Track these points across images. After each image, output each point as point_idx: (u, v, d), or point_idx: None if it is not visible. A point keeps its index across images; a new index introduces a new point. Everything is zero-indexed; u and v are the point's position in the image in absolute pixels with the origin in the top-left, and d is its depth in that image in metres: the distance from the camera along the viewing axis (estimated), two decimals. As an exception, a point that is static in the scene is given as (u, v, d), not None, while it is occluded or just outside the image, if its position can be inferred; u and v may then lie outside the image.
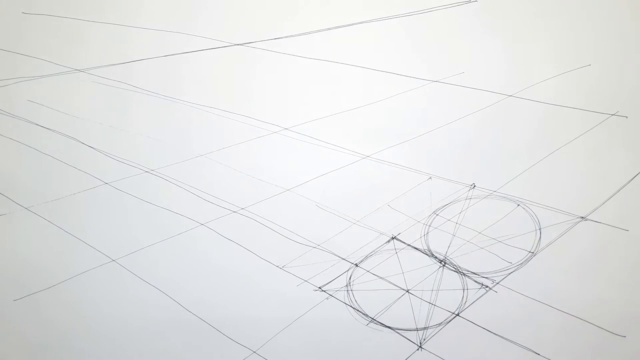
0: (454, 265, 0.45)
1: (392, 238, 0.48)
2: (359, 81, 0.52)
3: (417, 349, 0.41)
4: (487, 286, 0.44)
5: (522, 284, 0.44)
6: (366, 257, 0.46)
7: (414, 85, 0.51)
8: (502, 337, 0.40)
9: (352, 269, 0.46)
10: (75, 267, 0.46)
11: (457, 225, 0.48)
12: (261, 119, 0.51)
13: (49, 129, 0.51)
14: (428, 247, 0.46)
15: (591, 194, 0.49)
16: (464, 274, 0.45)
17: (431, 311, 0.42)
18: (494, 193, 0.49)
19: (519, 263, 0.45)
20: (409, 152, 0.50)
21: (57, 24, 0.53)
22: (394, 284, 0.45)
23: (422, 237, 0.47)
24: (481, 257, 0.46)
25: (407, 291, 0.44)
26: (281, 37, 0.52)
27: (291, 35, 0.52)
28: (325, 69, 0.52)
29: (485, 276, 0.44)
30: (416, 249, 0.47)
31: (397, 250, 0.47)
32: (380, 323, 0.42)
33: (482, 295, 0.43)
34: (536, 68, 0.52)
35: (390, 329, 0.42)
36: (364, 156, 0.50)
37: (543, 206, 0.49)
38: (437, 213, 0.49)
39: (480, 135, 0.51)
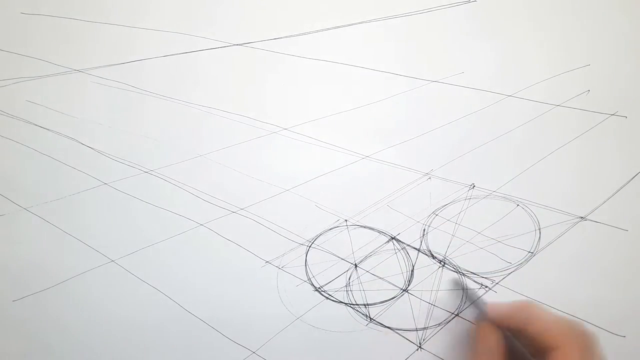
0: (453, 265, 0.45)
1: (392, 238, 0.48)
2: (359, 81, 0.52)
3: (417, 349, 0.41)
4: (486, 286, 0.44)
5: (522, 284, 0.44)
6: (366, 257, 0.46)
7: (414, 85, 0.51)
8: (501, 337, 0.40)
9: (352, 269, 0.46)
10: (74, 267, 0.46)
11: (457, 225, 0.48)
12: (261, 119, 0.51)
13: (48, 130, 0.51)
14: (428, 247, 0.46)
15: (591, 194, 0.49)
16: (464, 274, 0.45)
17: (431, 311, 0.42)
18: (494, 193, 0.49)
19: (518, 263, 0.45)
20: (408, 152, 0.50)
21: (56, 24, 0.53)
22: (393, 284, 0.45)
23: (422, 238, 0.47)
24: (481, 257, 0.46)
25: (407, 291, 0.44)
26: (281, 37, 0.52)
27: (291, 35, 0.52)
28: (325, 69, 0.52)
29: (485, 276, 0.44)
30: (416, 249, 0.47)
31: (396, 250, 0.47)
32: (380, 323, 0.42)
33: (481, 295, 0.43)
34: (536, 68, 0.52)
35: (390, 329, 0.42)
36: (364, 156, 0.50)
37: (542, 206, 0.49)
38: (436, 213, 0.49)
39: (480, 135, 0.51)
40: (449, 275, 0.43)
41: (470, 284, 0.41)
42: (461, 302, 0.41)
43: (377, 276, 0.45)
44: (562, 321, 0.34)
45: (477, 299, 0.40)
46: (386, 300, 0.44)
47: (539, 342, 0.34)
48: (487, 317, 0.37)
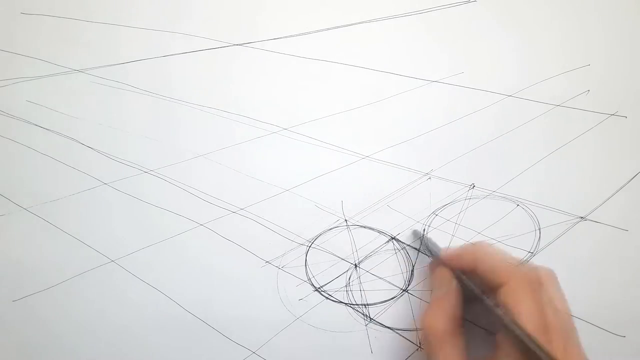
0: (453, 265, 0.45)
1: (392, 238, 0.48)
2: (359, 81, 0.52)
3: (417, 349, 0.41)
4: (486, 286, 0.44)
5: (522, 284, 0.44)
6: (366, 257, 0.46)
7: (414, 85, 0.51)
8: (502, 337, 0.40)
9: (352, 269, 0.46)
10: (74, 267, 0.46)
11: (457, 225, 0.48)
12: (261, 119, 0.51)
13: (48, 130, 0.51)
14: (428, 247, 0.46)
15: (591, 194, 0.49)
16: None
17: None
18: (494, 193, 0.49)
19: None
20: (408, 152, 0.50)
21: (56, 24, 0.53)
22: (393, 284, 0.45)
23: (422, 237, 0.47)
24: (481, 257, 0.46)
25: (407, 291, 0.44)
26: (281, 37, 0.52)
27: (291, 36, 0.52)
28: (325, 69, 0.52)
29: (485, 276, 0.44)
30: (416, 249, 0.47)
31: (396, 250, 0.47)
32: (380, 323, 0.42)
33: (436, 243, 0.43)
34: (535, 68, 0.52)
35: (390, 329, 0.42)
36: (364, 156, 0.50)
37: (542, 206, 0.49)
38: (436, 213, 0.49)
39: (480, 135, 0.51)
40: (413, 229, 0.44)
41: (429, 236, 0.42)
42: (420, 247, 0.43)
43: (377, 276, 0.45)
44: (510, 259, 0.35)
45: (432, 245, 0.41)
46: (386, 300, 0.44)
47: (489, 279, 0.35)
48: (440, 259, 0.38)
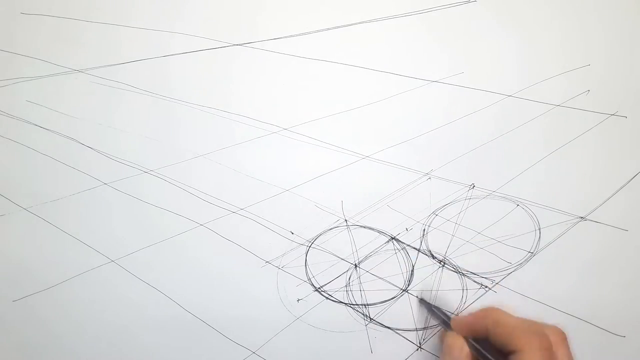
0: (453, 265, 0.45)
1: (392, 238, 0.48)
2: (359, 81, 0.52)
3: (417, 349, 0.41)
4: (486, 286, 0.44)
5: (522, 284, 0.44)
6: (366, 257, 0.46)
7: (414, 85, 0.51)
8: (501, 337, 0.40)
9: (352, 269, 0.46)
10: (74, 267, 0.46)
11: (457, 225, 0.48)
12: (261, 119, 0.51)
13: (48, 130, 0.51)
14: (427, 247, 0.46)
15: (591, 194, 0.49)
16: (464, 274, 0.45)
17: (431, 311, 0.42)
18: (494, 193, 0.49)
19: (518, 263, 0.45)
20: (408, 152, 0.50)
21: (56, 24, 0.53)
22: (393, 284, 0.45)
23: (422, 238, 0.47)
24: (481, 257, 0.46)
25: (407, 291, 0.44)
26: (281, 37, 0.52)
27: (291, 36, 0.52)
28: (325, 69, 0.52)
29: (485, 276, 0.44)
30: (416, 249, 0.47)
31: (396, 251, 0.47)
32: (380, 323, 0.42)
33: (481, 295, 0.43)
34: (536, 68, 0.52)
35: (390, 329, 0.42)
36: (364, 156, 0.50)
37: (542, 206, 0.49)
38: (436, 213, 0.49)
39: (480, 135, 0.51)
40: (419, 294, 0.43)
41: (439, 304, 0.42)
42: (427, 316, 0.42)
43: (377, 276, 0.45)
44: (524, 324, 0.35)
45: (442, 313, 0.41)
46: (386, 300, 0.44)
47: (502, 345, 0.34)
48: (451, 326, 0.38)
